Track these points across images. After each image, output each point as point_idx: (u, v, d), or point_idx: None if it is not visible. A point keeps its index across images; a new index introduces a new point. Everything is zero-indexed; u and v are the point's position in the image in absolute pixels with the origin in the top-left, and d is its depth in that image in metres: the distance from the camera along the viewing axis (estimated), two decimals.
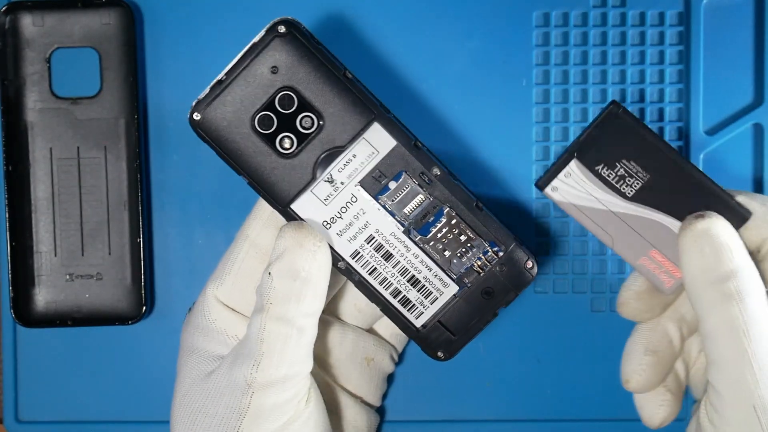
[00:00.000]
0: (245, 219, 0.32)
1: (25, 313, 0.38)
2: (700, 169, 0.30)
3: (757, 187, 0.39)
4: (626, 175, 0.29)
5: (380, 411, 0.39)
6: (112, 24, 0.38)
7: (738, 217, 0.30)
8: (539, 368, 0.40)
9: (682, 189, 0.29)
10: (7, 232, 0.38)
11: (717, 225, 0.28)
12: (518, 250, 0.30)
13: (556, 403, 0.40)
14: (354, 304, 0.35)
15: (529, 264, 0.30)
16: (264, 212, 0.31)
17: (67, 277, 0.39)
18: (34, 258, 0.38)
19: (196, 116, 0.29)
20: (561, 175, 0.29)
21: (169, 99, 0.39)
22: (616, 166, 0.29)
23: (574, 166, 0.29)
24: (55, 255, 0.39)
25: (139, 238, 0.38)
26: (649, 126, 0.39)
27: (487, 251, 0.30)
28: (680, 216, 0.30)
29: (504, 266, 0.31)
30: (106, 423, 0.40)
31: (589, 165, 0.29)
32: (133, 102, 0.38)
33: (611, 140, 0.29)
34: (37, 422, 0.40)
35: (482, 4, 0.39)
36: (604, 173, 0.29)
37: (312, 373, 0.31)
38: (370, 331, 0.36)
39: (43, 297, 0.39)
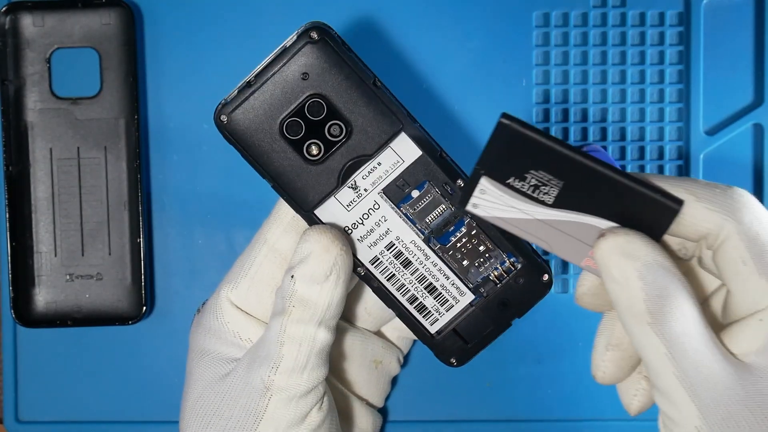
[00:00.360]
0: (263, 223, 0.32)
1: (25, 313, 0.38)
2: (618, 167, 0.27)
3: (757, 187, 0.39)
4: (540, 184, 0.27)
5: (382, 411, 0.39)
6: (112, 24, 0.38)
7: (666, 211, 0.26)
8: (539, 368, 0.40)
9: (598, 190, 0.27)
10: (7, 232, 0.38)
11: (618, 242, 0.26)
12: (535, 263, 0.30)
13: (556, 403, 0.40)
14: (364, 307, 0.34)
15: (546, 277, 0.31)
16: (284, 217, 0.31)
17: (67, 277, 0.39)
18: (34, 258, 0.38)
19: (224, 118, 0.29)
20: (476, 193, 0.27)
21: (169, 99, 0.39)
22: (526, 177, 0.27)
23: (485, 182, 0.27)
24: (55, 255, 0.39)
25: (139, 238, 0.38)
26: (651, 128, 0.39)
27: (505, 262, 0.30)
28: (606, 215, 0.27)
29: (521, 278, 0.31)
30: (106, 423, 0.40)
31: (500, 180, 0.27)
32: (133, 102, 0.38)
33: (511, 153, 0.26)
34: (37, 422, 0.40)
35: (482, 4, 0.39)
36: (517, 185, 0.27)
37: None
38: (378, 334, 0.36)
39: (43, 297, 0.38)
